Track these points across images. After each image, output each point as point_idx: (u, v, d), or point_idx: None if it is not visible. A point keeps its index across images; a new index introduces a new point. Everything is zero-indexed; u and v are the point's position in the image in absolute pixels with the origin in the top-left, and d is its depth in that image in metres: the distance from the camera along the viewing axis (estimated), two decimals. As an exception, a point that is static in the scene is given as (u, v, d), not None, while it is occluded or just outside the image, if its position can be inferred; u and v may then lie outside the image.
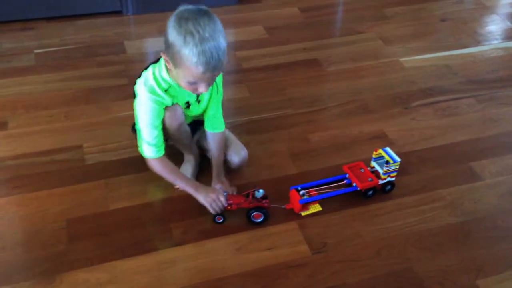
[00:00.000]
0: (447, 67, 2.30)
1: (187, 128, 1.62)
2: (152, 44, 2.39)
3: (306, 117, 2.00)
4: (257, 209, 1.55)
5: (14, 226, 1.56)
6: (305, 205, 1.61)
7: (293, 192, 1.60)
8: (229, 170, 1.71)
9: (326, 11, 2.71)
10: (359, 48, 2.42)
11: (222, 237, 1.54)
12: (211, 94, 1.57)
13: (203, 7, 1.34)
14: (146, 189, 1.68)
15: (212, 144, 1.65)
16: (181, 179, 1.58)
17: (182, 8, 1.33)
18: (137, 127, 1.53)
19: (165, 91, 1.48)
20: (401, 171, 1.69)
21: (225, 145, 1.69)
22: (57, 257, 1.47)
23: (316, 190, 1.63)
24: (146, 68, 1.50)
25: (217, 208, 1.53)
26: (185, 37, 1.29)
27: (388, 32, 2.54)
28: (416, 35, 2.53)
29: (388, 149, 1.67)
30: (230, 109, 1.97)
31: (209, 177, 1.67)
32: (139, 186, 1.68)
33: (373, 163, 1.68)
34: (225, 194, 1.54)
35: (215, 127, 1.64)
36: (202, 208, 1.55)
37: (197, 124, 1.69)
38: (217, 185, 1.63)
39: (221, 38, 1.32)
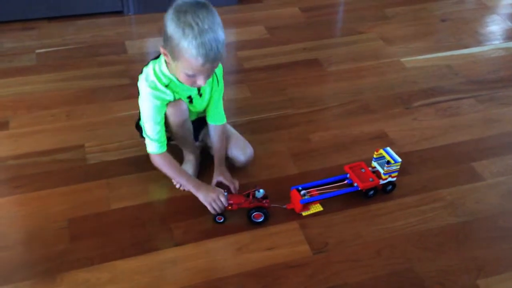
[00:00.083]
0: (448, 67, 2.30)
1: (191, 126, 1.63)
2: (153, 44, 2.39)
3: (307, 117, 2.00)
4: (258, 209, 1.55)
5: (15, 225, 1.57)
6: (306, 205, 1.61)
7: (294, 192, 1.61)
8: (234, 168, 1.71)
9: (327, 11, 2.71)
10: (360, 48, 2.42)
11: (223, 237, 1.54)
12: (212, 87, 1.58)
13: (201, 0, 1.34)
14: (147, 189, 1.68)
15: (214, 136, 1.67)
16: (183, 176, 1.58)
17: (179, 1, 1.34)
18: (141, 123, 1.54)
19: (166, 86, 1.48)
20: (402, 171, 1.69)
21: (229, 142, 1.70)
22: (58, 257, 1.47)
23: (317, 190, 1.63)
24: (146, 65, 1.51)
25: (217, 208, 1.53)
26: (184, 30, 1.30)
27: (389, 32, 2.54)
28: (417, 35, 2.53)
29: (389, 149, 1.67)
30: (231, 109, 1.97)
31: (211, 177, 1.66)
32: (140, 186, 1.69)
33: (374, 163, 1.69)
34: (225, 194, 1.54)
35: (216, 119, 1.65)
36: (202, 208, 1.55)
37: (201, 122, 1.70)
38: (218, 177, 1.64)
39: (219, 30, 1.33)
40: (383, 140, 1.90)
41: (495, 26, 2.63)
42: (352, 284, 1.43)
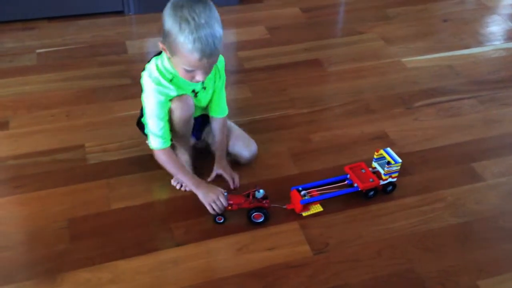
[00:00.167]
0: (449, 68, 2.30)
1: (193, 123, 1.63)
2: (153, 44, 2.38)
3: (308, 117, 2.00)
4: (258, 209, 1.55)
5: (16, 225, 1.57)
6: (306, 205, 1.61)
7: (294, 193, 1.60)
8: (237, 166, 1.72)
9: (327, 11, 2.71)
10: (361, 49, 2.42)
11: (223, 237, 1.54)
12: (214, 80, 1.58)
13: None
14: (147, 188, 1.68)
15: (216, 129, 1.67)
16: (184, 174, 1.59)
17: None
18: (144, 120, 1.54)
19: (170, 81, 1.49)
20: (402, 172, 1.69)
21: (233, 139, 1.70)
22: (59, 257, 1.47)
23: (317, 191, 1.63)
24: (148, 61, 1.51)
25: (216, 209, 1.53)
26: (180, 24, 1.30)
27: (390, 32, 2.54)
28: (418, 35, 2.53)
29: (389, 149, 1.67)
30: (232, 109, 1.96)
31: (210, 176, 1.67)
32: (141, 185, 1.68)
33: (375, 164, 1.68)
34: (225, 194, 1.54)
35: (218, 111, 1.66)
36: (203, 208, 1.55)
37: (204, 119, 1.70)
38: (218, 170, 1.64)
39: (217, 25, 1.34)
40: (383, 140, 1.89)
41: (495, 27, 2.63)
42: (352, 285, 1.43)
